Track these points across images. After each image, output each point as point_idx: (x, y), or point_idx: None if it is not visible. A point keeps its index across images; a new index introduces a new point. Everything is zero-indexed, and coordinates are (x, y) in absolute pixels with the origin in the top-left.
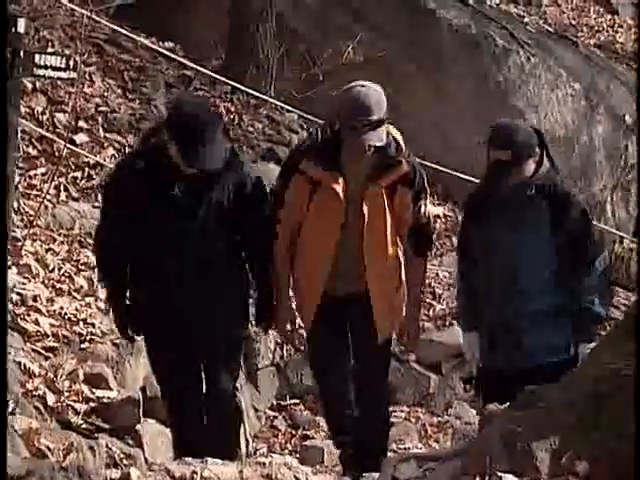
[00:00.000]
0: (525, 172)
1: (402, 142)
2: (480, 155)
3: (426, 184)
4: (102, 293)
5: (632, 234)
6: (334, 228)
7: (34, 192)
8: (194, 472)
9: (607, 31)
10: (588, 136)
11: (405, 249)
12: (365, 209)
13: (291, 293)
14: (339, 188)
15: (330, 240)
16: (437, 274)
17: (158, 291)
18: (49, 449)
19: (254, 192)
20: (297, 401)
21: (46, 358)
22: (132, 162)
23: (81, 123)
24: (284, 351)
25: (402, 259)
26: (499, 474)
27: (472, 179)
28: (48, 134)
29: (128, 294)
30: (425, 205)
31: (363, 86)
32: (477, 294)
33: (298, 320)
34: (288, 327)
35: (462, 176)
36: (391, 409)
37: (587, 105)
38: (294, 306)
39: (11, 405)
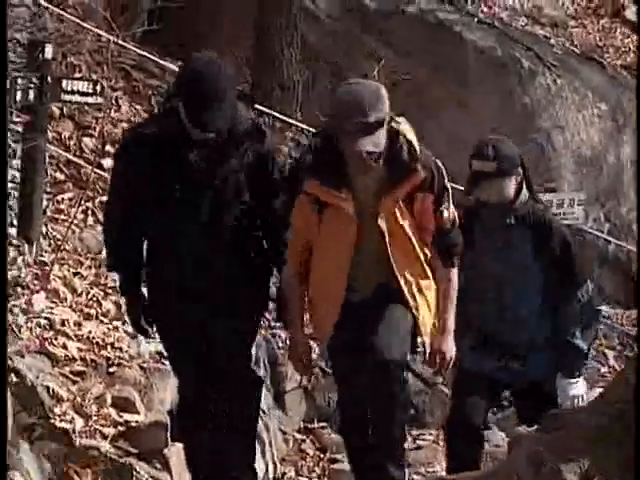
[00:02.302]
0: (506, 191)
1: (416, 143)
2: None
3: (447, 186)
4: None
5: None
6: (347, 247)
7: (62, 217)
8: None
9: (634, 52)
10: (615, 156)
11: (432, 258)
12: (383, 225)
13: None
14: (349, 207)
15: (343, 260)
16: None
17: (174, 275)
18: (77, 473)
19: (273, 170)
20: (325, 424)
21: (74, 382)
22: (142, 130)
23: (108, 147)
24: (311, 373)
25: (431, 267)
26: None
27: None
28: (75, 159)
29: (143, 280)
30: (448, 209)
31: (357, 83)
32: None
33: (314, 349)
34: (303, 360)
35: None
36: (419, 432)
37: (614, 125)
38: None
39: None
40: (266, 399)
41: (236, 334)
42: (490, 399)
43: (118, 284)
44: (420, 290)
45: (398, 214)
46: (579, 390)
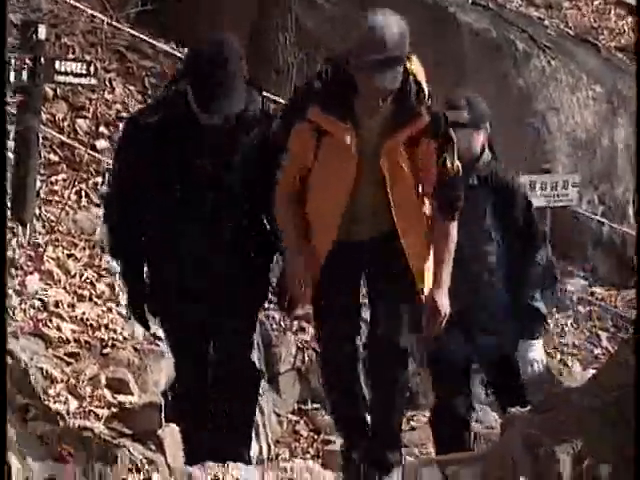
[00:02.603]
0: (474, 145)
1: (424, 84)
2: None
3: (452, 135)
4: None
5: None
6: (345, 181)
7: (55, 198)
8: (216, 477)
9: (628, 34)
10: (610, 139)
11: (431, 209)
12: (385, 165)
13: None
14: (351, 140)
15: (341, 192)
16: None
17: (174, 271)
18: (71, 454)
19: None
20: (318, 406)
21: (68, 364)
22: (147, 114)
23: (102, 129)
24: (305, 355)
25: (430, 218)
26: (521, 478)
27: None
28: (69, 140)
29: (145, 269)
30: (450, 158)
31: (381, 15)
32: None
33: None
34: (302, 286)
35: None
36: (412, 413)
37: (609, 108)
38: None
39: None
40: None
41: (236, 330)
42: (468, 379)
43: (120, 271)
44: (419, 243)
45: (400, 158)
46: (538, 354)
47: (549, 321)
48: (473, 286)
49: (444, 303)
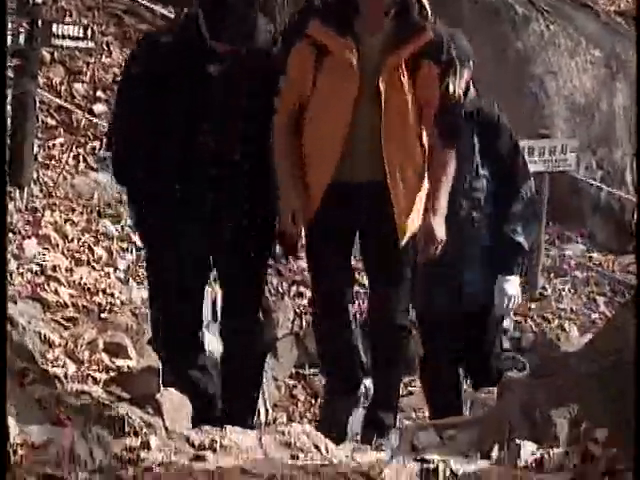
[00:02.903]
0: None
1: (427, 5)
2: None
3: (455, 60)
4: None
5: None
6: (346, 105)
7: (53, 163)
8: (213, 440)
9: None
10: (608, 103)
11: (430, 137)
12: (382, 85)
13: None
14: (352, 57)
15: (341, 118)
16: None
17: (178, 188)
18: (69, 418)
19: None
20: (316, 370)
21: (66, 328)
22: (157, 38)
23: (99, 93)
24: (303, 320)
25: (427, 148)
26: (518, 441)
27: None
28: (66, 104)
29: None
30: (454, 84)
31: None
32: None
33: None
34: (292, 217)
35: None
36: (410, 378)
37: (607, 72)
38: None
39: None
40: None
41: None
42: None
43: (127, 197)
44: (404, 161)
45: (401, 77)
46: (515, 289)
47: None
48: (459, 223)
49: (440, 229)
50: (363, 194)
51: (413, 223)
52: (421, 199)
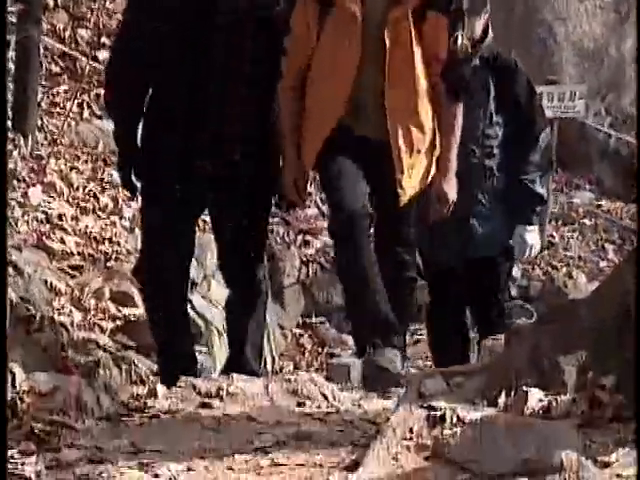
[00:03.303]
0: (476, 28)
1: None
2: None
3: (464, 10)
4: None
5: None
6: (350, 59)
7: (57, 110)
8: (220, 388)
9: None
10: (617, 49)
11: (438, 91)
12: (387, 38)
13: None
14: (356, 9)
15: (344, 74)
16: None
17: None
18: (75, 366)
19: None
20: (323, 319)
21: (72, 276)
22: None
23: (103, 39)
24: (309, 269)
25: (432, 103)
26: (525, 389)
27: None
28: (70, 51)
29: (140, 132)
30: (462, 36)
31: None
32: None
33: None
34: (297, 184)
35: None
36: (416, 327)
37: (616, 17)
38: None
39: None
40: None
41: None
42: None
43: (112, 130)
44: (408, 118)
45: (406, 30)
46: (535, 239)
47: (553, 232)
48: (471, 170)
49: (451, 190)
50: (367, 148)
51: (415, 183)
52: (426, 158)
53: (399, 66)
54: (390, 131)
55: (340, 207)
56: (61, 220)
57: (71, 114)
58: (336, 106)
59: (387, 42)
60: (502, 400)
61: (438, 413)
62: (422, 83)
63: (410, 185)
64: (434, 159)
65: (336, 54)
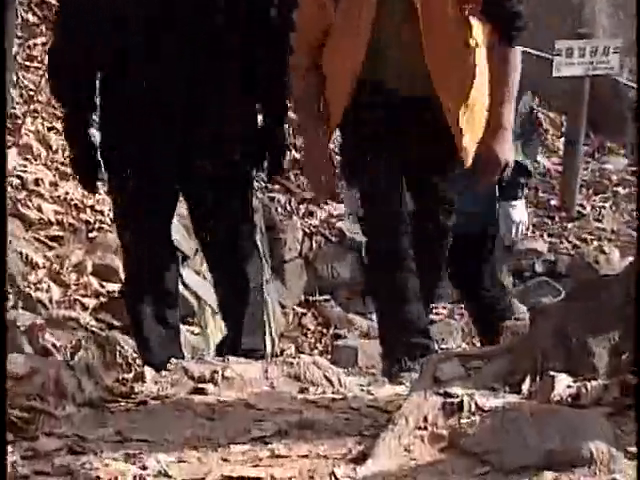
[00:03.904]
0: None
1: None
2: None
3: None
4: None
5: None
6: (369, 12)
7: (34, 64)
8: (214, 372)
9: None
10: None
11: (484, 34)
12: None
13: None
14: None
15: (364, 23)
16: None
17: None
18: (55, 347)
19: None
20: (328, 297)
21: (50, 248)
22: None
23: None
24: (313, 242)
25: (478, 50)
26: (551, 373)
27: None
28: None
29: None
30: None
31: None
32: None
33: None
34: (322, 175)
35: None
36: (432, 306)
37: None
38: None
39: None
40: (263, 270)
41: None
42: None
43: (62, 122)
44: (453, 70)
45: None
46: (521, 214)
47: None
48: None
49: (502, 149)
50: (399, 106)
51: (474, 141)
52: (481, 114)
53: (431, 7)
54: (436, 88)
55: (373, 202)
56: (38, 186)
57: None
58: (356, 54)
59: None
60: (526, 386)
61: (455, 400)
62: (460, 25)
63: (471, 144)
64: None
65: (354, 10)
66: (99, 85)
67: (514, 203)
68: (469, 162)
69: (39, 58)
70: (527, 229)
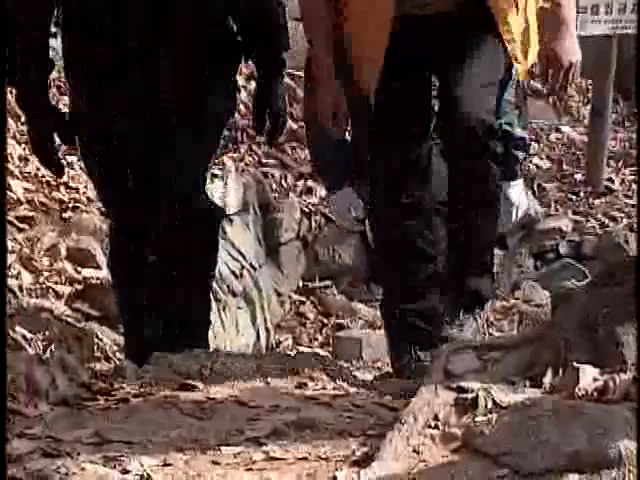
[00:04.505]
0: None
1: None
2: None
3: None
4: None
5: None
6: None
7: None
8: (203, 366)
9: None
10: None
11: None
12: None
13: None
14: None
15: None
16: None
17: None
18: (25, 339)
19: None
20: (329, 283)
21: (20, 230)
22: None
23: None
24: (312, 222)
25: None
26: (576, 365)
27: None
28: None
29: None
30: None
31: None
32: None
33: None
34: (336, 111)
35: None
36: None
37: None
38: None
39: None
40: (257, 254)
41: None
42: None
43: (16, 92)
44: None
45: None
46: (520, 195)
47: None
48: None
49: (568, 48)
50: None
51: (532, 49)
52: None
53: None
54: None
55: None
56: (6, 161)
57: None
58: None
59: None
60: (547, 380)
61: (469, 396)
62: None
63: (527, 52)
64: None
65: None
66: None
67: (513, 183)
68: (524, 74)
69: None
70: (526, 212)
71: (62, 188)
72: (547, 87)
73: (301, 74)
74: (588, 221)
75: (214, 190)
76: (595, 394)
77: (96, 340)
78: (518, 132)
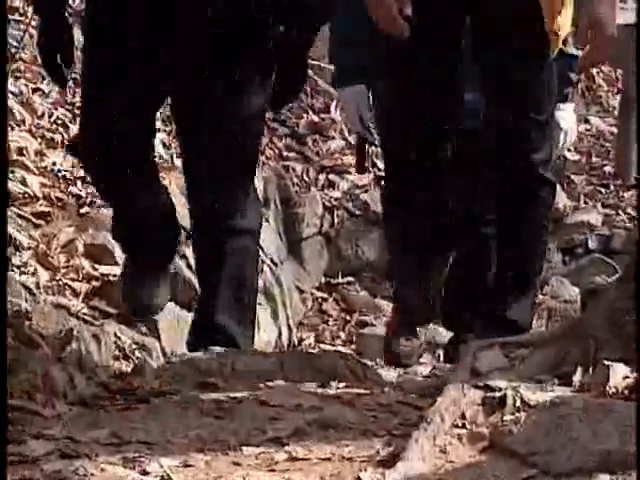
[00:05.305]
0: None
1: None
2: None
3: None
4: None
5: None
6: None
7: (16, 17)
8: (223, 364)
9: None
10: None
11: None
12: None
13: None
14: None
15: None
16: None
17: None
18: (42, 337)
19: None
20: (352, 279)
21: (36, 226)
22: None
23: None
24: (334, 216)
25: None
26: (606, 363)
27: None
28: None
29: None
30: None
31: None
32: None
33: None
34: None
35: None
36: None
37: None
38: None
39: None
40: (278, 249)
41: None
42: None
43: (37, 34)
44: None
45: None
46: (571, 121)
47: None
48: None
49: (607, 16)
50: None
51: (567, 20)
52: None
53: None
54: None
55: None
56: (22, 155)
57: (33, 22)
58: None
59: None
60: (577, 378)
61: (497, 394)
62: None
63: (562, 24)
64: None
65: None
66: None
67: (562, 106)
68: (556, 46)
69: (21, 10)
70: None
71: (79, 183)
72: (589, 58)
73: (322, 64)
74: (618, 214)
75: None
76: (626, 392)
77: (114, 338)
78: (572, 50)
